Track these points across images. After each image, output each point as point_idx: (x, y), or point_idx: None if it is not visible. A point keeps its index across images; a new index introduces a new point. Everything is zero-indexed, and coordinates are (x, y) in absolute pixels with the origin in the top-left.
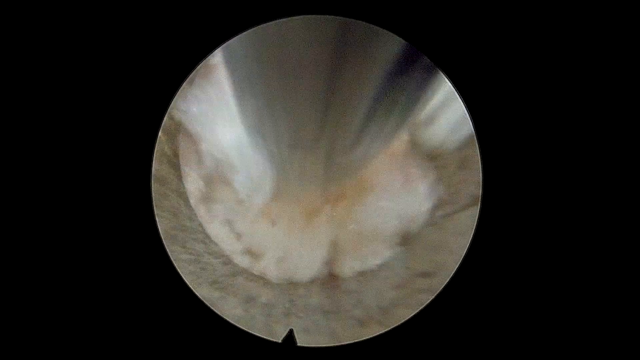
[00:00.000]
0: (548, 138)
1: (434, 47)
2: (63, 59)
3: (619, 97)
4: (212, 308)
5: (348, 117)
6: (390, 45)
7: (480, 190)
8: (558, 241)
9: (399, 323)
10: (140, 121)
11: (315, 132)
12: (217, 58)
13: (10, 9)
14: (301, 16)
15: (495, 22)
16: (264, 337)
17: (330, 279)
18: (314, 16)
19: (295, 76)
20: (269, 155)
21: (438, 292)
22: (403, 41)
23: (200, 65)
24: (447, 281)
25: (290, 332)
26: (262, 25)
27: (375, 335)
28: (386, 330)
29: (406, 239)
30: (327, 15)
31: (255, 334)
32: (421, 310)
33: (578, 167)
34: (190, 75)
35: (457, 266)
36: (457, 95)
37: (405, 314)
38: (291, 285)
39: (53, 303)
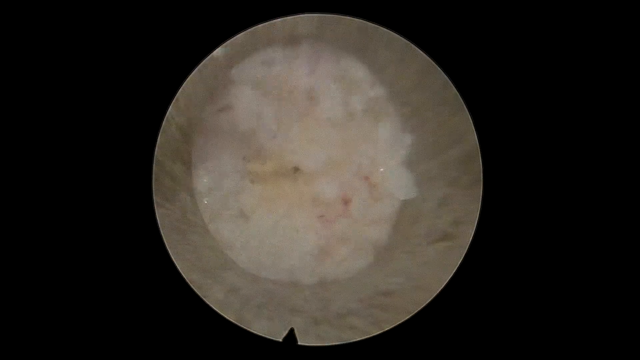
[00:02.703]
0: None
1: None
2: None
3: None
4: (196, 290)
5: None
6: None
7: (450, 228)
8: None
9: (347, 327)
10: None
11: None
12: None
13: (12, 9)
14: (306, 14)
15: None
16: (236, 322)
17: (315, 287)
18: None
19: None
20: None
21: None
22: None
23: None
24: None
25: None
26: None
27: (322, 333)
28: (333, 329)
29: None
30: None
31: (229, 319)
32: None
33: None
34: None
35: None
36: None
37: (354, 322)
38: (276, 285)
39: (58, 292)
